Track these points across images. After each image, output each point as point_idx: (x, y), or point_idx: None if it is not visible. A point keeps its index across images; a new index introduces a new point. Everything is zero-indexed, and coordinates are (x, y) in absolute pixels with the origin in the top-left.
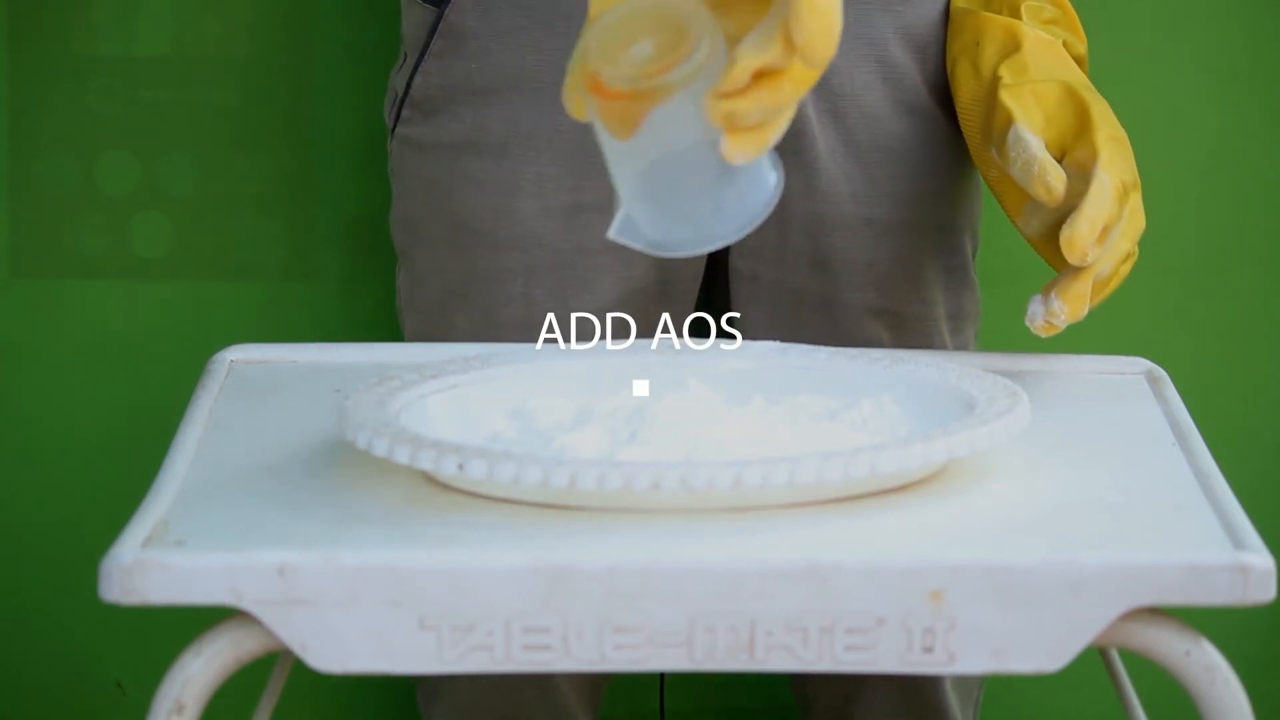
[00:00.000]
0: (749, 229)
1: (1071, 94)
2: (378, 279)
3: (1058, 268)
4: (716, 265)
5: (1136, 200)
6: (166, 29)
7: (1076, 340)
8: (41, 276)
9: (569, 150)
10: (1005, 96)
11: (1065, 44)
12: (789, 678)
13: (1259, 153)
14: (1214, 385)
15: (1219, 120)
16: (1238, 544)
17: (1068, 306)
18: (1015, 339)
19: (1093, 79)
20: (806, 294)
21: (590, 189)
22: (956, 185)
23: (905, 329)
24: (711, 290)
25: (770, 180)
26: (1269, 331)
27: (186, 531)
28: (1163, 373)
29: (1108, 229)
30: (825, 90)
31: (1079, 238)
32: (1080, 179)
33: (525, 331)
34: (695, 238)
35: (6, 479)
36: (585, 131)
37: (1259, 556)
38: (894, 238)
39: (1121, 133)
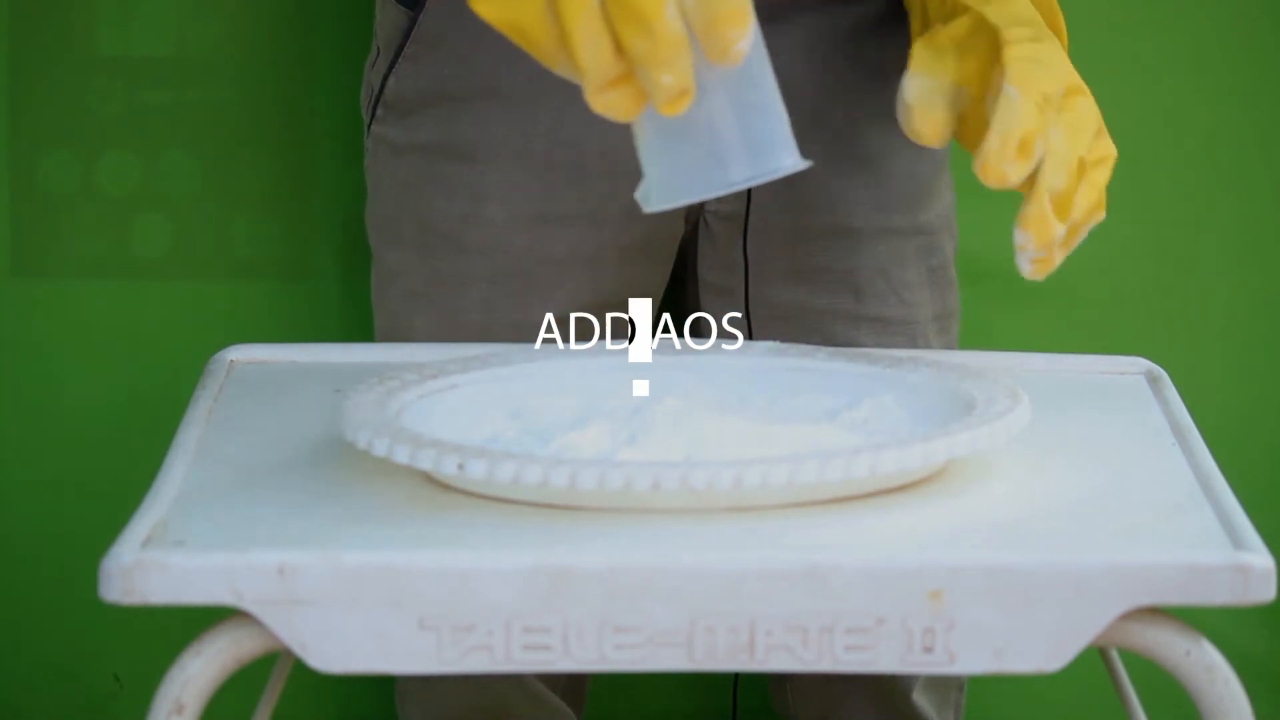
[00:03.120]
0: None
1: (982, 25)
2: None
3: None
4: (685, 278)
5: (1080, 102)
6: (166, 29)
7: (1076, 340)
8: (41, 276)
9: (538, 160)
10: (918, 48)
11: None
12: (769, 688)
13: (1257, 152)
14: (1214, 385)
15: (1216, 120)
16: (1238, 544)
17: (1032, 233)
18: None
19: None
20: (780, 305)
21: (557, 200)
22: (931, 186)
23: (888, 334)
24: (681, 303)
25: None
26: (1269, 331)
27: (186, 531)
28: (1163, 373)
29: (1028, 142)
30: (797, 102)
31: (990, 156)
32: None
33: (483, 336)
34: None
35: (6, 478)
36: (554, 142)
37: (1259, 556)
38: (872, 244)
39: (1043, 48)
